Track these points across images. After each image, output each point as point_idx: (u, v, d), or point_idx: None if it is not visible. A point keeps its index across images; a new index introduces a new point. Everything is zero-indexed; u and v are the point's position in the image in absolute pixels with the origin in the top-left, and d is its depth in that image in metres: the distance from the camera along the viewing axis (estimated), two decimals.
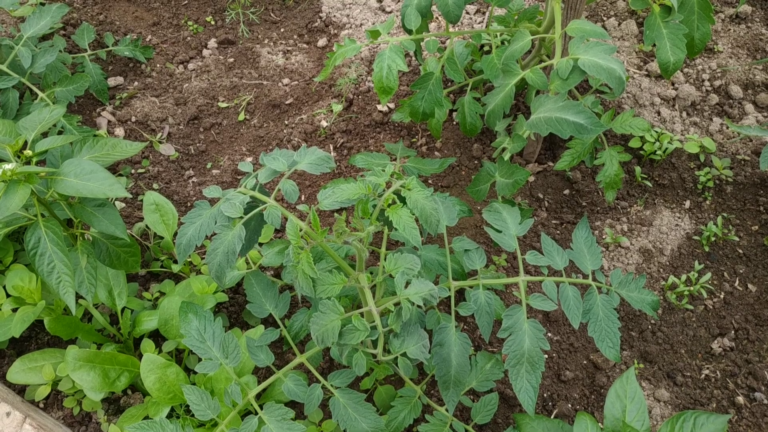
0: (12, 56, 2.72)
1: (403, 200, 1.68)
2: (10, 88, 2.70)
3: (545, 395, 2.34)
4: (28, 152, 1.98)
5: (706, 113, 3.01)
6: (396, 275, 1.59)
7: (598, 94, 2.92)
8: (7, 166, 1.83)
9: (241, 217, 1.68)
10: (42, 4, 3.44)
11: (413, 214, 1.63)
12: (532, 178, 2.85)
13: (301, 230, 1.63)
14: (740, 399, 2.31)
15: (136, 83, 3.25)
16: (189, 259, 2.57)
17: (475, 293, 1.83)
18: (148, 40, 3.42)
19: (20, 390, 2.29)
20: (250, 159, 2.97)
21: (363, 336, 1.53)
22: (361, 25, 3.42)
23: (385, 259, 1.72)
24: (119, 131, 3.03)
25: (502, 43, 3.08)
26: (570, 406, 2.32)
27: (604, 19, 3.37)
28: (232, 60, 3.36)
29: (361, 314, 1.60)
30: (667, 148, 2.80)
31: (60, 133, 2.68)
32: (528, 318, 1.80)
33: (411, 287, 1.57)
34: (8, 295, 2.30)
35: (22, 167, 1.86)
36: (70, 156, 2.14)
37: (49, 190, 2.01)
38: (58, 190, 1.90)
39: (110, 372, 2.13)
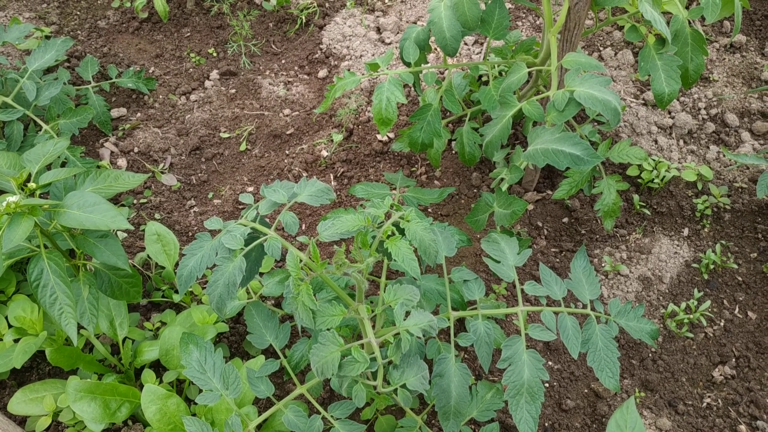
0: (17, 89, 2.76)
1: (402, 231, 1.70)
2: (15, 120, 2.74)
3: (546, 424, 2.33)
4: (32, 185, 2.00)
5: (703, 141, 3.04)
6: (395, 306, 1.60)
7: (595, 123, 2.96)
8: (11, 199, 1.85)
9: (242, 249, 1.69)
10: (47, 37, 3.50)
11: (412, 246, 1.65)
12: (531, 207, 2.87)
13: (301, 262, 1.65)
14: (743, 428, 2.31)
15: (138, 114, 3.29)
16: (190, 289, 2.59)
17: (474, 324, 1.84)
18: (151, 71, 3.47)
19: (21, 421, 2.29)
20: (251, 189, 3.00)
21: (363, 368, 1.54)
22: (361, 56, 3.47)
23: (384, 290, 1.73)
24: (122, 162, 3.07)
25: (500, 74, 3.13)
26: None
27: (601, 49, 3.42)
28: (233, 91, 3.41)
29: (361, 345, 1.61)
30: (664, 177, 2.82)
31: (63, 164, 2.71)
32: (527, 348, 1.81)
33: (410, 318, 1.58)
34: (10, 326, 2.31)
35: (26, 200, 1.88)
36: (74, 188, 2.16)
37: (53, 221, 2.03)
38: (61, 222, 1.91)
39: (111, 403, 2.13)
